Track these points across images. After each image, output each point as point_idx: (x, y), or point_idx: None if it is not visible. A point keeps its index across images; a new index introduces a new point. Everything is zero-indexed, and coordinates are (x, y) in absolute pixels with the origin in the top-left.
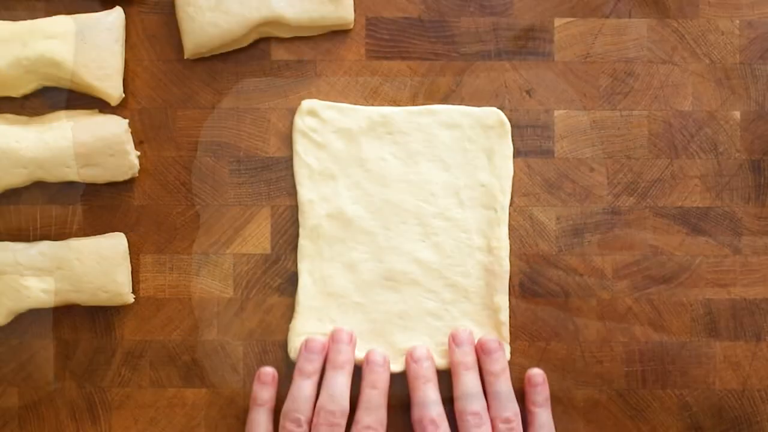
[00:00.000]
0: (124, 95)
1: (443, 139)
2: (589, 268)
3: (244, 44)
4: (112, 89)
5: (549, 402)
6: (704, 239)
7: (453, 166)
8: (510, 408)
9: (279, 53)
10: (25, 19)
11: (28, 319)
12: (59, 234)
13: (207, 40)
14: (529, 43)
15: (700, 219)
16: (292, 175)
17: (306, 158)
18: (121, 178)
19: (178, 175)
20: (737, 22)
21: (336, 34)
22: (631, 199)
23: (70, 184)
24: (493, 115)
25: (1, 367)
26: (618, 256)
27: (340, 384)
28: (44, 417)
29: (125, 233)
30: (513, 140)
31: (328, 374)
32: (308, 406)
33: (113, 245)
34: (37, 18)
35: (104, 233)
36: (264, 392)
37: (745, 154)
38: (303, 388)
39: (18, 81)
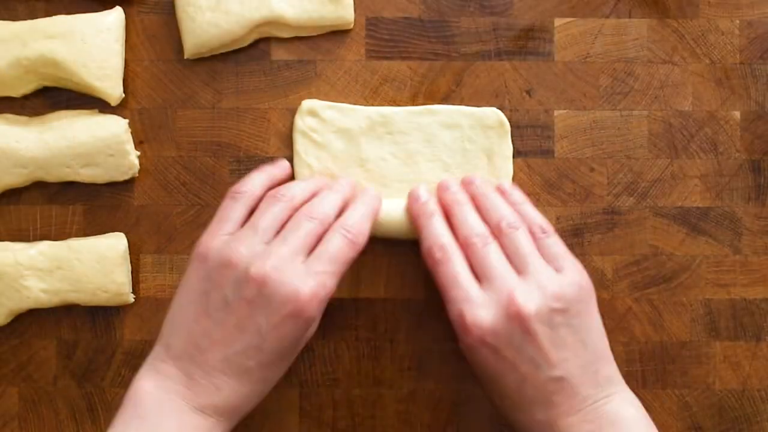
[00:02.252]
0: (124, 95)
1: (443, 139)
2: (589, 268)
3: (244, 44)
4: (112, 89)
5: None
6: (704, 239)
7: (453, 166)
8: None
9: (279, 53)
10: (25, 19)
11: (28, 319)
12: (59, 234)
13: (207, 40)
14: (529, 43)
15: (700, 219)
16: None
17: (306, 158)
18: (121, 178)
19: (178, 175)
20: (737, 22)
21: (336, 34)
22: (631, 199)
23: (70, 184)
24: (493, 115)
25: (1, 367)
26: (618, 256)
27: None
28: (44, 417)
29: (125, 233)
30: (513, 140)
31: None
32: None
33: (113, 245)
34: (37, 18)
35: (104, 233)
36: (259, 179)
37: (745, 154)
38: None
39: (18, 81)
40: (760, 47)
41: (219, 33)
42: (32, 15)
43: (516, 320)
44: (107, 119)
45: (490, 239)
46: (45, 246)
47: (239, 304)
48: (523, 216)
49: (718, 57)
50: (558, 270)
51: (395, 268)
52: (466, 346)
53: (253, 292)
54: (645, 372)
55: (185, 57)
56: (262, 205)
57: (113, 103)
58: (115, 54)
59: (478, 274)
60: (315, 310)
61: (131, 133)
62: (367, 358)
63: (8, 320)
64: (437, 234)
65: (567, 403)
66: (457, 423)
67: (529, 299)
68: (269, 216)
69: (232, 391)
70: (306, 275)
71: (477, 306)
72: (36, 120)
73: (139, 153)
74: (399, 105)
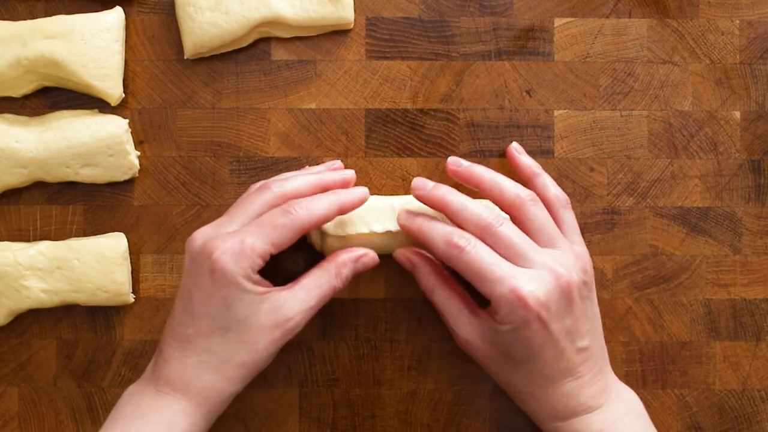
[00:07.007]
0: (124, 95)
1: None
2: None
3: (244, 44)
4: (112, 89)
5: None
6: (704, 239)
7: None
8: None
9: (279, 53)
10: (25, 19)
11: (28, 319)
12: (59, 234)
13: (207, 40)
14: (529, 43)
15: (700, 219)
16: None
17: None
18: (121, 178)
19: (178, 175)
20: (737, 22)
21: (336, 34)
22: (631, 199)
23: (70, 184)
24: None
25: (1, 367)
26: (618, 256)
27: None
28: (44, 417)
29: (125, 233)
30: (513, 140)
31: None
32: None
33: (113, 245)
34: (37, 18)
35: (104, 233)
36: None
37: (745, 154)
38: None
39: (18, 81)
40: (760, 47)
41: (219, 33)
42: (32, 15)
43: (565, 292)
44: (107, 119)
45: (501, 218)
46: (45, 246)
47: (183, 278)
48: (535, 188)
49: (718, 57)
50: (572, 243)
51: (395, 268)
52: (516, 325)
53: (192, 264)
54: (645, 372)
55: (185, 57)
56: (251, 195)
57: (113, 103)
58: (115, 54)
59: (504, 254)
60: (229, 264)
61: (131, 133)
62: (367, 358)
63: (8, 320)
64: (448, 229)
65: (589, 374)
66: (457, 423)
67: (572, 270)
68: (254, 206)
69: (177, 361)
70: (229, 236)
71: (527, 281)
72: (36, 120)
73: (139, 153)
74: (399, 105)
